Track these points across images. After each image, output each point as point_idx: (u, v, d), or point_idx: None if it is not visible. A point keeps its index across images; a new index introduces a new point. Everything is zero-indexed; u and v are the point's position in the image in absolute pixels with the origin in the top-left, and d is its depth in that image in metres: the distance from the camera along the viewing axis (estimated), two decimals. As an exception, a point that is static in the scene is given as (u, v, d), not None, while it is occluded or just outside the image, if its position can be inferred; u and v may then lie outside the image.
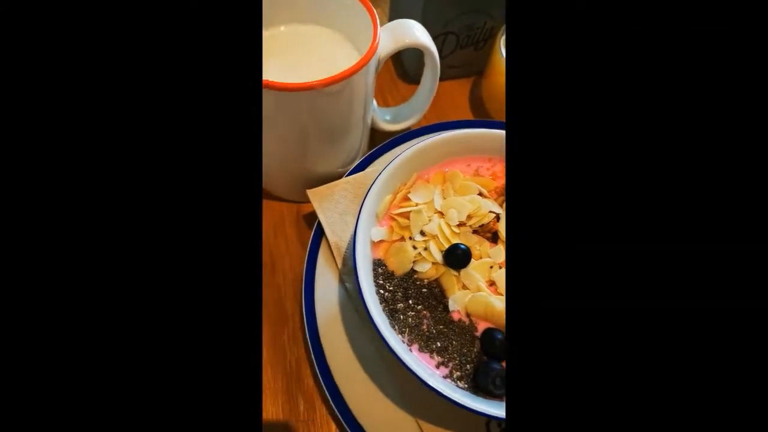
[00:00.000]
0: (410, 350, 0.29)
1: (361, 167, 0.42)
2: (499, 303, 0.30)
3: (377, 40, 0.33)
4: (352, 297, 0.36)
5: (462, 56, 0.50)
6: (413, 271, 0.32)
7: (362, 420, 0.32)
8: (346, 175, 0.41)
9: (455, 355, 0.29)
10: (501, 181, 0.35)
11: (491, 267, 0.31)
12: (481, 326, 0.30)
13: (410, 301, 0.31)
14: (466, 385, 0.28)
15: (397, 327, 0.30)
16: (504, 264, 0.31)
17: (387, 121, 0.43)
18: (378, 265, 0.32)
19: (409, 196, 0.34)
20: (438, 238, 0.32)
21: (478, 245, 0.32)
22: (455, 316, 0.30)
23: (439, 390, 0.26)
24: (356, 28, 0.36)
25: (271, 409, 0.34)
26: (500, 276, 0.31)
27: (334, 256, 0.38)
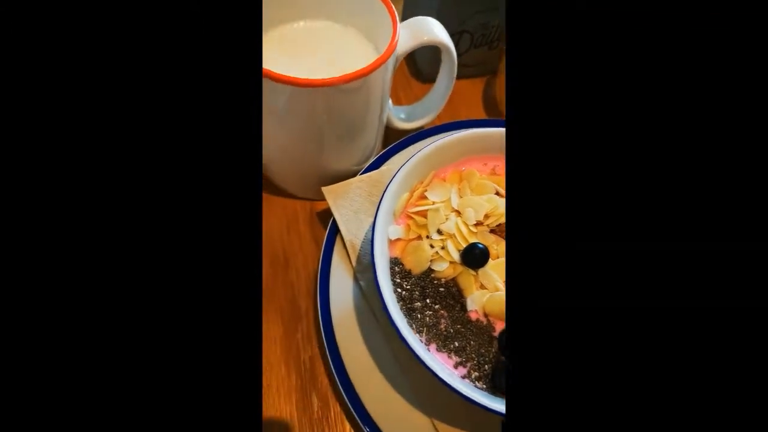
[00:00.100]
0: (428, 350, 0.29)
1: (376, 165, 0.42)
2: (517, 303, 0.29)
3: (397, 38, 0.33)
4: (366, 295, 0.36)
5: (476, 55, 0.50)
6: (430, 270, 0.32)
7: (377, 419, 0.32)
8: (361, 173, 0.41)
9: (473, 355, 0.29)
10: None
11: (509, 267, 0.31)
12: (499, 326, 0.30)
13: (427, 300, 0.31)
14: (484, 386, 0.28)
15: (414, 326, 0.30)
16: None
17: (401, 119, 0.43)
18: (395, 263, 0.32)
19: (426, 194, 0.34)
20: (455, 237, 0.32)
21: (495, 245, 0.32)
22: (473, 316, 0.30)
23: (460, 390, 0.26)
24: (374, 25, 0.36)
25: (286, 407, 0.34)
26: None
27: (348, 254, 0.37)
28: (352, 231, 0.38)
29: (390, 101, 0.42)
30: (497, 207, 0.33)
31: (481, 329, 0.30)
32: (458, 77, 0.41)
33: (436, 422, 0.32)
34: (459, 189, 0.35)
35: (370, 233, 0.38)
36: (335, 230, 0.38)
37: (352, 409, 0.32)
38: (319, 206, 0.43)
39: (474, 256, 0.31)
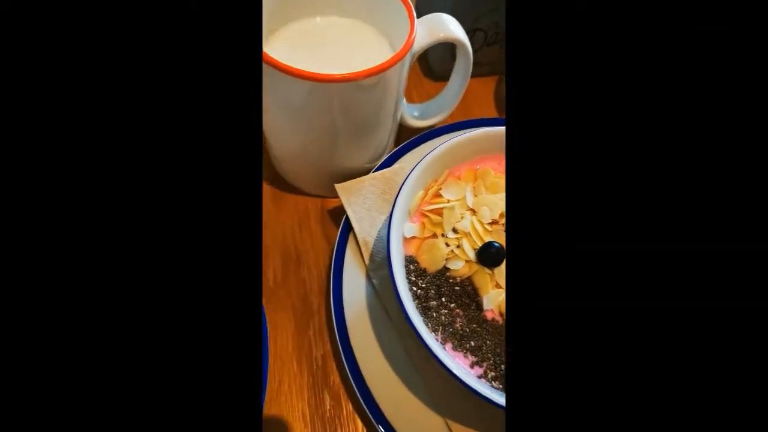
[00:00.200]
0: (444, 349, 0.29)
1: (388, 163, 0.41)
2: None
3: (414, 34, 0.32)
4: (379, 294, 0.36)
5: (489, 53, 0.49)
6: (446, 269, 0.31)
7: (390, 418, 0.32)
8: (374, 171, 0.40)
9: (489, 354, 0.29)
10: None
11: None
12: (515, 326, 0.30)
13: (443, 299, 0.31)
14: (500, 386, 0.28)
15: (430, 325, 0.29)
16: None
17: (415, 117, 0.43)
18: (410, 261, 0.32)
19: (441, 192, 0.34)
20: (471, 235, 0.32)
21: (511, 244, 0.32)
22: (489, 315, 0.30)
23: (478, 390, 0.26)
24: (389, 21, 0.36)
25: (298, 405, 0.34)
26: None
27: (361, 252, 0.37)
28: (365, 229, 0.38)
29: (404, 99, 0.42)
30: (513, 206, 0.32)
31: (497, 329, 0.30)
32: (471, 76, 0.41)
33: (450, 422, 0.32)
34: (474, 187, 0.34)
35: (384, 231, 0.38)
36: (348, 228, 0.38)
37: (365, 408, 0.31)
38: (330, 203, 0.43)
39: (490, 255, 0.30)
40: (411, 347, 0.34)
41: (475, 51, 0.48)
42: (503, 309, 0.30)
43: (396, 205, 0.31)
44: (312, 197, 0.43)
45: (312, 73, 0.30)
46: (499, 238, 0.32)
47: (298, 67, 0.30)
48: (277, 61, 0.30)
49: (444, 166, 0.35)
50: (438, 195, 0.34)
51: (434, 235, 0.33)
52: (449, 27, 0.36)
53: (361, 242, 0.37)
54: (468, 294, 0.31)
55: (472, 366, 0.29)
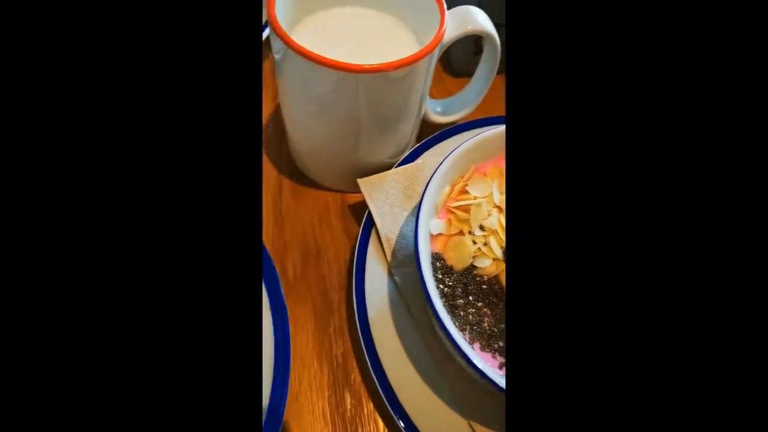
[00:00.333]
0: (473, 349, 0.28)
1: (410, 159, 0.41)
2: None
3: (444, 26, 0.32)
4: (401, 291, 0.35)
5: (512, 50, 0.48)
6: (473, 267, 0.31)
7: (413, 417, 0.31)
8: (396, 167, 0.40)
9: (519, 355, 0.28)
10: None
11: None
12: (545, 326, 0.29)
13: (470, 298, 0.30)
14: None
15: (457, 324, 0.29)
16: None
17: (437, 112, 0.42)
18: (436, 258, 0.31)
19: (467, 189, 0.33)
20: (498, 233, 0.31)
21: (540, 242, 0.31)
22: (517, 315, 0.29)
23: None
24: (419, 13, 0.35)
25: (318, 403, 0.33)
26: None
27: (383, 249, 0.37)
28: (386, 225, 0.37)
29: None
30: (542, 204, 0.32)
31: (527, 329, 0.29)
32: (495, 71, 0.40)
33: (474, 424, 0.31)
34: (500, 184, 0.34)
35: (407, 227, 0.38)
36: (370, 223, 0.37)
37: (388, 407, 0.31)
38: (351, 198, 0.42)
39: (519, 254, 0.30)
40: (433, 346, 0.33)
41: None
42: (532, 309, 0.29)
43: (423, 200, 0.31)
44: (332, 192, 0.42)
45: (341, 62, 0.29)
46: (528, 236, 0.31)
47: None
48: (305, 49, 0.29)
49: (471, 162, 0.34)
50: (464, 191, 0.33)
51: (461, 232, 0.32)
52: (478, 19, 0.35)
53: (383, 238, 0.36)
54: (495, 293, 0.30)
55: (501, 367, 0.28)
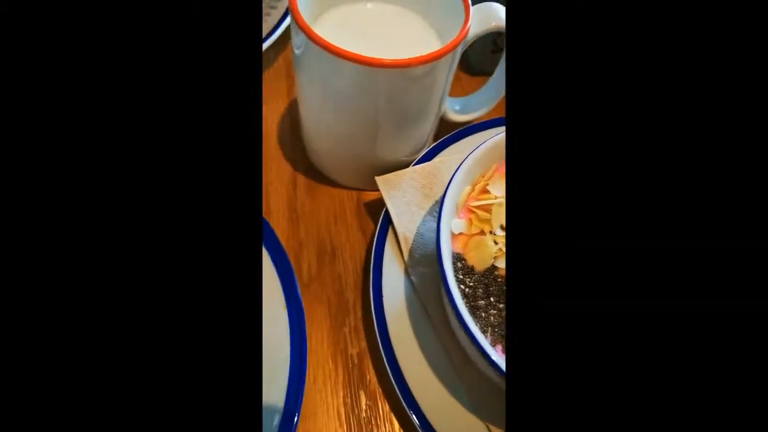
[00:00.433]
0: (495, 351, 0.28)
1: (428, 157, 0.40)
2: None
3: (470, 23, 0.31)
4: (417, 291, 0.35)
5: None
6: (494, 267, 0.30)
7: (431, 418, 0.30)
8: (413, 165, 0.39)
9: (541, 358, 0.27)
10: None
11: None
12: (568, 329, 0.28)
13: (491, 299, 0.29)
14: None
15: (479, 325, 0.28)
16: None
17: (456, 111, 0.41)
18: (457, 258, 0.31)
19: (488, 188, 0.33)
20: (520, 234, 0.31)
21: (562, 244, 0.30)
22: (540, 317, 0.29)
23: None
24: (441, 10, 0.35)
25: (333, 403, 0.32)
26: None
27: (400, 247, 0.36)
28: (404, 223, 0.37)
29: (446, 92, 0.41)
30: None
31: (549, 332, 0.28)
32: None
33: (492, 427, 0.31)
34: (521, 184, 0.33)
35: (423, 226, 0.37)
36: (387, 222, 0.37)
37: (405, 408, 0.30)
38: (366, 197, 0.41)
39: (542, 255, 0.29)
40: (450, 346, 0.33)
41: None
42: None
43: (445, 200, 0.30)
44: (348, 190, 0.42)
45: (364, 56, 0.29)
46: (551, 237, 0.30)
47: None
48: (328, 42, 0.29)
49: (492, 161, 0.34)
50: (485, 191, 0.33)
51: (482, 232, 0.31)
52: (499, 16, 0.34)
53: (400, 237, 0.36)
54: (517, 294, 0.29)
55: (523, 370, 0.27)
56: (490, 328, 0.28)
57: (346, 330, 0.35)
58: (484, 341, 0.26)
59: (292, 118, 0.46)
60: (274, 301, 0.33)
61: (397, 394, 0.31)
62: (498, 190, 0.33)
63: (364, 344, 0.35)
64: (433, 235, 0.37)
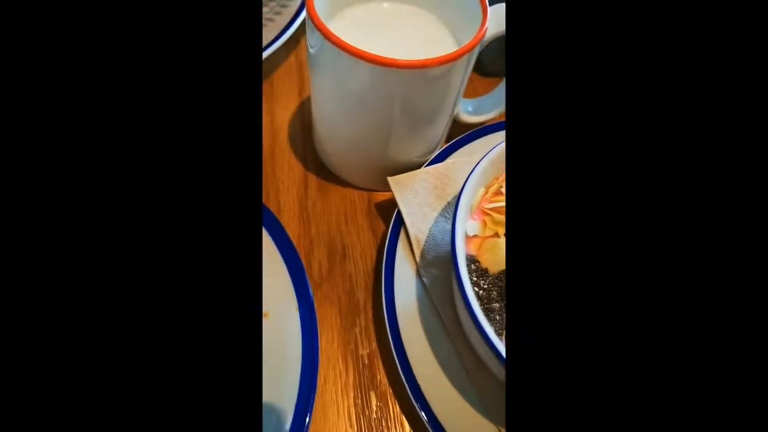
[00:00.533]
0: (509, 354, 0.27)
1: (440, 159, 0.40)
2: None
3: (486, 24, 0.31)
4: (429, 292, 0.35)
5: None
6: (508, 270, 0.30)
7: (442, 420, 0.30)
8: (425, 166, 0.39)
9: (556, 362, 0.27)
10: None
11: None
12: (582, 334, 0.28)
13: (506, 302, 0.29)
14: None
15: (494, 328, 0.28)
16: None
17: (468, 112, 0.41)
18: (470, 261, 0.30)
19: (502, 190, 0.33)
20: (534, 237, 0.30)
21: (577, 247, 0.30)
22: (554, 321, 0.29)
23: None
24: (458, 10, 0.34)
25: (343, 404, 0.32)
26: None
27: (412, 249, 0.36)
28: (416, 224, 0.36)
29: (459, 93, 0.40)
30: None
31: (564, 336, 0.28)
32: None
33: (503, 430, 0.31)
34: (534, 187, 0.33)
35: (436, 228, 0.37)
36: (399, 222, 0.36)
37: (417, 410, 0.30)
38: (377, 197, 0.41)
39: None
40: (462, 348, 0.33)
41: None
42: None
43: (460, 201, 0.30)
44: (358, 190, 0.41)
45: (380, 56, 0.29)
46: (565, 240, 0.30)
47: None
48: (344, 42, 0.29)
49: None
50: (499, 193, 0.33)
51: (496, 234, 0.31)
52: (517, 18, 0.34)
53: (412, 238, 0.36)
54: (532, 298, 0.29)
55: (537, 374, 0.27)
56: (504, 332, 0.28)
57: (357, 330, 0.35)
58: (500, 344, 0.26)
59: (303, 117, 0.45)
60: (286, 301, 0.33)
61: (407, 396, 0.31)
62: (512, 193, 0.32)
63: (374, 345, 0.35)
64: (446, 236, 0.37)
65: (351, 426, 0.32)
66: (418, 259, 0.36)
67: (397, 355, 0.32)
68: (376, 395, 0.33)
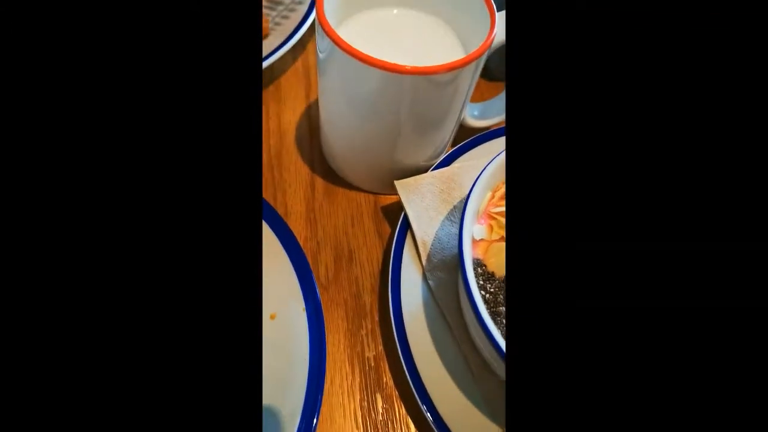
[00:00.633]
0: (516, 357, 0.28)
1: (445, 163, 0.40)
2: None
3: (495, 31, 0.31)
4: (435, 296, 0.35)
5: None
6: (514, 274, 0.30)
7: (449, 423, 0.31)
8: (431, 170, 0.39)
9: (561, 366, 0.28)
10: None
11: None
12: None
13: (506, 302, 0.29)
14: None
15: (501, 332, 0.28)
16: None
17: (475, 116, 0.41)
18: (477, 264, 0.31)
19: (508, 195, 0.33)
20: (540, 241, 0.31)
21: (583, 252, 0.31)
22: (560, 325, 0.29)
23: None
24: (467, 16, 0.35)
25: (350, 406, 0.33)
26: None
27: (418, 252, 0.36)
28: (422, 228, 0.37)
29: (465, 98, 0.41)
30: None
31: (569, 340, 0.28)
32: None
33: (509, 433, 0.31)
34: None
35: (442, 231, 0.37)
36: (405, 226, 0.37)
37: (423, 411, 0.30)
38: (383, 200, 0.42)
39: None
40: (468, 352, 0.33)
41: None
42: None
43: (467, 205, 0.30)
44: (365, 193, 0.42)
45: (389, 62, 0.29)
46: (571, 245, 0.31)
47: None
48: (353, 48, 0.29)
49: (512, 168, 0.34)
50: (505, 197, 0.33)
51: (502, 238, 0.31)
52: (524, 25, 0.34)
53: (419, 242, 0.36)
54: (537, 302, 0.30)
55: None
56: (510, 335, 0.29)
57: (363, 333, 0.35)
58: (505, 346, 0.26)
59: (310, 120, 0.46)
60: (293, 302, 0.33)
61: (413, 398, 0.31)
62: (518, 197, 0.33)
63: (380, 348, 0.35)
64: (452, 240, 0.37)
65: (357, 427, 0.32)
66: (424, 262, 0.36)
67: (403, 358, 0.32)
68: (382, 397, 0.33)
